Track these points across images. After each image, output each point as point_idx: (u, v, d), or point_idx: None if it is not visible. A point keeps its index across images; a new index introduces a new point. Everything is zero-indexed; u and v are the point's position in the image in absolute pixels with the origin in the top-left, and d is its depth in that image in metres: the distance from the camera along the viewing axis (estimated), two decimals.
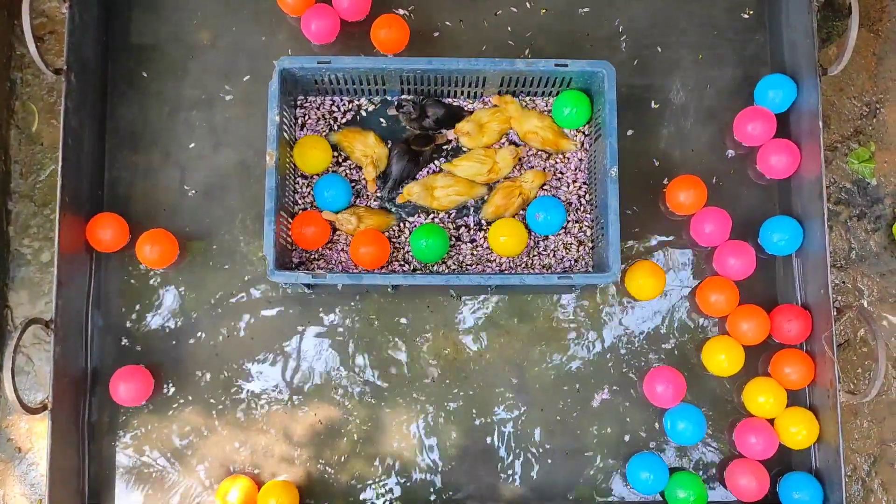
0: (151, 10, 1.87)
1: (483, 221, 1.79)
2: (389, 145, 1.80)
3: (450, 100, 1.82)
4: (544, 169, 1.80)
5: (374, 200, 1.80)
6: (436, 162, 1.81)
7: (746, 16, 1.88)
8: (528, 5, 1.88)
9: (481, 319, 1.79)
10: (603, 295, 1.79)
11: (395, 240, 1.79)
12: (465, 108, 1.82)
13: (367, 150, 1.77)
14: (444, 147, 1.82)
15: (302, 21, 1.82)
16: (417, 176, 1.81)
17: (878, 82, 2.03)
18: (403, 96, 1.80)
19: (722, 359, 1.67)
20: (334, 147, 1.80)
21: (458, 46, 1.86)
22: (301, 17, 1.83)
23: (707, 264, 1.79)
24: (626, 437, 1.75)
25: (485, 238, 1.78)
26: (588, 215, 1.79)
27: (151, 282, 1.78)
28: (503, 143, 1.81)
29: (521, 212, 1.79)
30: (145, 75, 1.84)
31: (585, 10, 1.88)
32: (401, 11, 1.87)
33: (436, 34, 1.86)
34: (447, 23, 1.86)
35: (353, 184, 1.80)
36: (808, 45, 1.71)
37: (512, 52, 1.86)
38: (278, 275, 1.61)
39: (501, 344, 1.78)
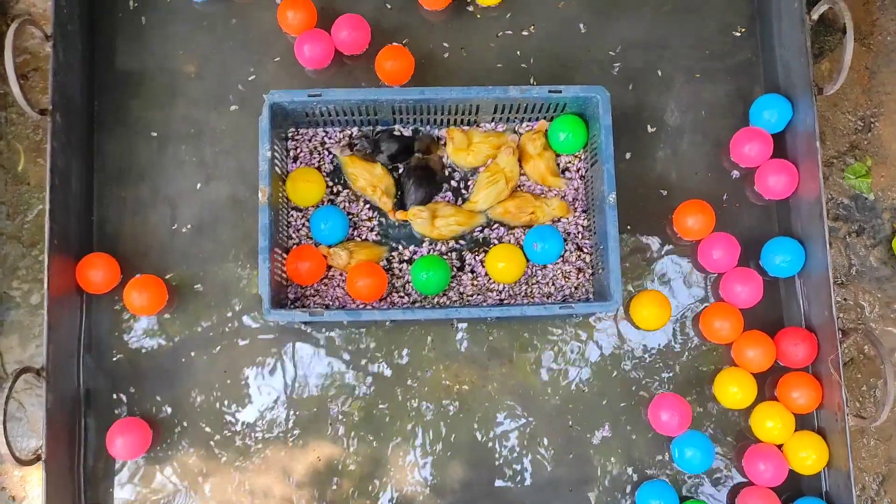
0: (137, 43, 1.83)
1: (487, 219, 1.77)
2: (401, 172, 1.77)
3: (410, 129, 1.80)
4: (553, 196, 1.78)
5: (372, 231, 1.77)
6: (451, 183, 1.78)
7: (738, 34, 1.87)
8: (524, 33, 1.86)
9: (483, 349, 1.76)
10: (604, 322, 1.77)
11: (391, 269, 1.76)
12: (435, 137, 1.79)
13: (375, 180, 1.73)
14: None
15: (295, 45, 1.79)
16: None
17: (872, 96, 2.02)
18: (356, 134, 1.77)
19: (734, 391, 1.65)
20: (334, 175, 1.77)
21: (459, 73, 1.83)
22: (294, 41, 1.80)
23: (711, 289, 1.77)
24: (632, 467, 1.72)
25: (483, 265, 1.75)
26: (587, 241, 1.76)
27: (144, 323, 1.74)
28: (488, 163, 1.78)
29: (517, 232, 1.76)
30: (132, 109, 1.81)
31: (578, 32, 1.86)
32: (401, 41, 1.85)
33: (441, 58, 1.84)
34: (444, 55, 1.83)
35: (351, 216, 1.77)
36: (803, 64, 1.69)
37: (511, 76, 1.83)
38: (274, 314, 1.58)
39: (503, 374, 1.76)
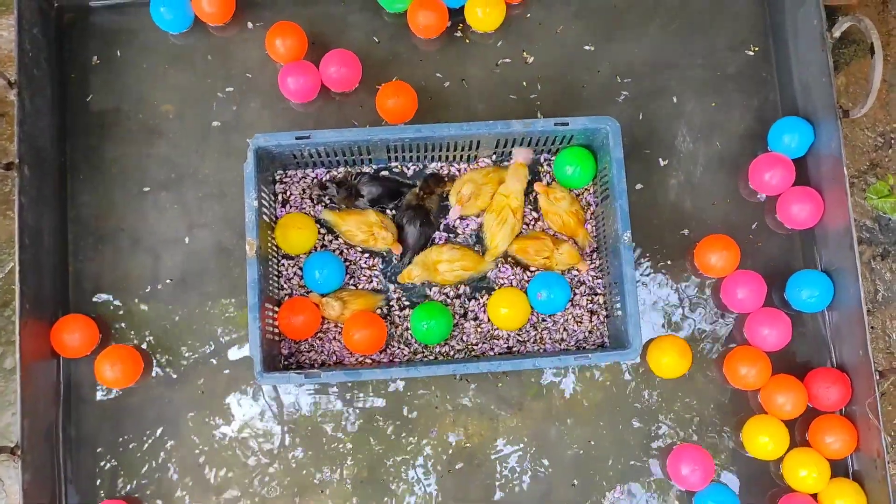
0: (110, 84, 1.71)
1: (498, 266, 1.65)
2: (395, 214, 1.65)
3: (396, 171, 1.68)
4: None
5: (371, 282, 1.65)
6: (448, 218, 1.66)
7: (751, 52, 1.76)
8: (526, 61, 1.74)
9: (492, 399, 1.64)
10: (620, 368, 1.65)
11: (389, 317, 1.64)
12: (443, 177, 1.67)
13: (373, 228, 1.61)
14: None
15: (279, 77, 1.67)
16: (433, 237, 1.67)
17: (891, 111, 1.92)
18: (327, 179, 1.66)
19: (765, 441, 1.53)
20: (321, 223, 1.66)
21: (462, 105, 1.72)
22: (279, 73, 1.68)
23: (736, 330, 1.66)
24: None
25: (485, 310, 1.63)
26: (599, 281, 1.65)
27: (128, 389, 1.62)
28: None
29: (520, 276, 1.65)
30: (107, 154, 1.69)
31: (580, 57, 1.74)
32: (393, 75, 1.73)
33: (440, 90, 1.73)
34: (445, 84, 1.72)
35: (348, 263, 1.65)
36: (825, 84, 1.59)
37: (513, 105, 1.72)
38: (267, 377, 1.46)
39: (515, 426, 1.64)
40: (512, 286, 1.64)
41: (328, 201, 1.66)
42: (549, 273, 1.61)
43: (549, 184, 1.66)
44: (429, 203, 1.64)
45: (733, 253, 1.60)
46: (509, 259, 1.65)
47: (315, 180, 1.66)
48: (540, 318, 1.64)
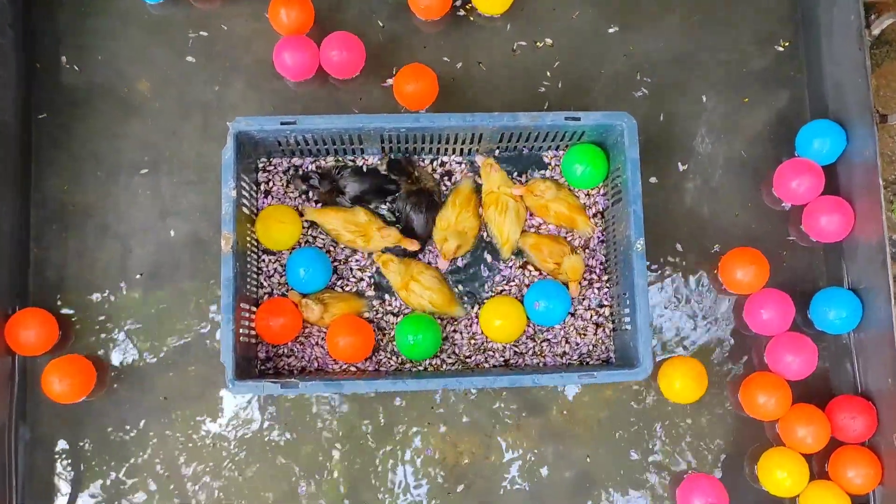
0: (82, 57, 1.58)
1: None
2: (394, 206, 1.52)
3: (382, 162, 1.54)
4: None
5: (361, 282, 1.52)
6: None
7: (781, 48, 1.62)
8: (539, 44, 1.61)
9: (486, 414, 1.51)
10: (627, 386, 1.52)
11: (376, 322, 1.51)
12: (410, 159, 1.53)
13: (362, 228, 1.48)
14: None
15: (275, 50, 1.53)
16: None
17: None
18: (310, 170, 1.52)
19: (783, 477, 1.40)
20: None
21: (475, 92, 1.59)
22: (274, 48, 1.54)
23: (754, 353, 1.53)
24: None
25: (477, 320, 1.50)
26: (606, 290, 1.52)
27: (94, 393, 1.48)
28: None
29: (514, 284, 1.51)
30: (77, 135, 1.56)
31: (594, 46, 1.61)
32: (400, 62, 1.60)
33: (454, 77, 1.59)
34: (458, 67, 1.58)
35: (335, 263, 1.51)
36: (860, 86, 1.46)
37: (520, 96, 1.59)
38: (240, 386, 1.32)
39: (510, 443, 1.51)
40: (505, 294, 1.51)
41: (310, 196, 1.52)
42: (549, 282, 1.48)
43: (524, 182, 1.53)
44: (426, 183, 1.50)
45: (762, 269, 1.46)
46: (520, 258, 1.52)
47: (295, 171, 1.52)
48: (539, 329, 1.51)
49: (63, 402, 1.44)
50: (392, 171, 1.50)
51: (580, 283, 1.49)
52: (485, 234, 1.53)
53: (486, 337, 1.49)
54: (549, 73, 1.60)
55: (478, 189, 1.53)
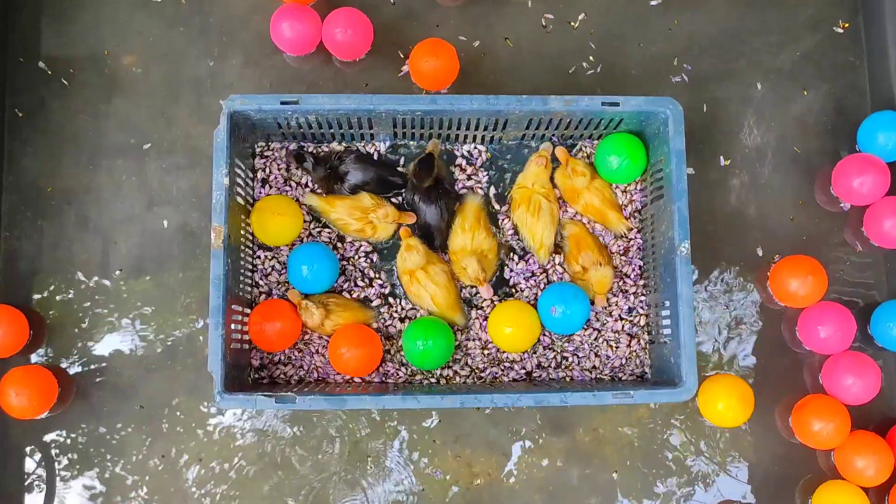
0: (63, 28, 1.44)
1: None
2: (406, 197, 1.36)
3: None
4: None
5: (370, 287, 1.36)
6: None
7: (840, 30, 1.46)
8: (572, 24, 1.45)
9: (503, 431, 1.36)
10: (661, 404, 1.37)
11: (383, 329, 1.35)
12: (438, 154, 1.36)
13: (366, 215, 1.32)
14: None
15: (272, 20, 1.37)
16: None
17: None
18: (305, 149, 1.36)
19: None
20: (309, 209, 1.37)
21: (496, 75, 1.43)
22: (271, 18, 1.38)
23: (807, 373, 1.37)
24: None
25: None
26: (642, 299, 1.36)
27: (69, 392, 1.33)
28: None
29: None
30: (56, 113, 1.42)
31: (630, 26, 1.45)
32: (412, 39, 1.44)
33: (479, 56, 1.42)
34: (487, 47, 1.41)
35: (343, 262, 1.36)
36: None
37: (545, 77, 1.43)
38: (229, 399, 1.17)
39: (529, 464, 1.36)
40: (516, 299, 1.35)
41: (309, 181, 1.36)
42: (566, 284, 1.32)
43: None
44: (441, 176, 1.35)
45: (819, 280, 1.30)
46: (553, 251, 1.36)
47: (289, 150, 1.36)
48: (560, 339, 1.35)
49: (21, 417, 1.29)
50: (422, 171, 1.32)
51: (605, 296, 1.33)
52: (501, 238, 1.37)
53: (496, 345, 1.33)
54: (578, 55, 1.44)
55: (487, 202, 1.37)
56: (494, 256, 1.35)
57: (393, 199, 1.37)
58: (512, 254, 1.36)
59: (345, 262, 1.36)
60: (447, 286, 1.32)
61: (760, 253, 1.41)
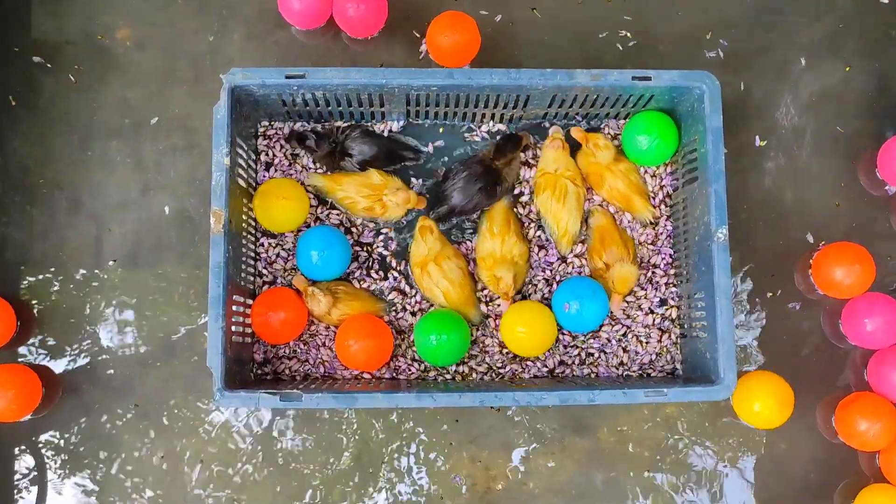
0: (52, 3, 1.35)
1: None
2: (444, 171, 1.28)
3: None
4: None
5: (385, 280, 1.27)
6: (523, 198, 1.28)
7: (885, 1, 1.36)
8: None
9: (522, 430, 1.27)
10: (691, 402, 1.28)
11: (394, 322, 1.26)
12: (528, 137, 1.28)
13: (378, 191, 1.24)
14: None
15: None
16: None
17: None
18: (306, 129, 1.27)
19: None
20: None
21: (512, 52, 1.34)
22: None
23: (850, 370, 1.28)
24: None
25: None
26: (674, 290, 1.26)
27: (57, 390, 1.25)
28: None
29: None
30: (46, 91, 1.34)
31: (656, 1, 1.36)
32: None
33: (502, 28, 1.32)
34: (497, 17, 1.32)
35: (355, 250, 1.27)
36: None
37: (566, 55, 1.34)
38: (230, 397, 1.08)
39: (550, 468, 1.27)
40: (531, 300, 1.26)
41: (312, 162, 1.28)
42: (582, 279, 1.23)
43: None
44: (506, 172, 1.25)
45: (867, 269, 1.22)
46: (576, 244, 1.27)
47: (291, 131, 1.27)
48: (588, 335, 1.26)
49: (3, 420, 1.21)
50: (506, 144, 1.24)
51: (620, 300, 1.24)
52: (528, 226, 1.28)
53: (508, 349, 1.24)
54: (611, 26, 1.35)
55: (515, 201, 1.28)
56: (525, 262, 1.25)
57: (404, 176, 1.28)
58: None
59: (357, 248, 1.27)
60: (461, 283, 1.23)
61: (798, 240, 1.31)
